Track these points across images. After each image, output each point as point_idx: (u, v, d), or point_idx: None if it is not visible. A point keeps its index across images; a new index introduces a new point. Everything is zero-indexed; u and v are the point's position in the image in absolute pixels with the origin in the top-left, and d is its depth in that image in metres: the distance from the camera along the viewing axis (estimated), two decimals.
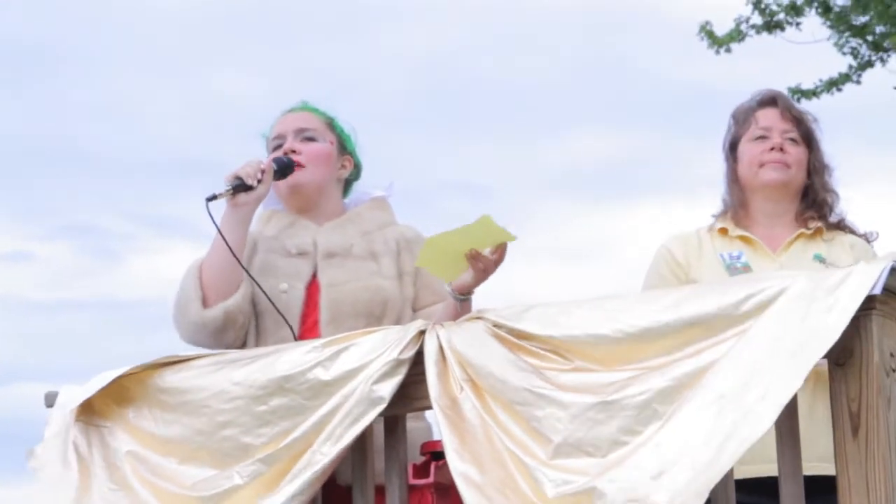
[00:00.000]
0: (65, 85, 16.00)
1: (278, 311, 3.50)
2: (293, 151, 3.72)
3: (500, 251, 3.36)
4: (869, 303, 2.66)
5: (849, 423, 2.68)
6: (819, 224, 3.67)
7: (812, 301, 2.66)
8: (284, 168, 3.65)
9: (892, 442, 2.65)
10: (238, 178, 3.55)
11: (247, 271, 3.54)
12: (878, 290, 2.64)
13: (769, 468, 2.94)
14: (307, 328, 3.59)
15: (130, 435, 3.24)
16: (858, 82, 12.13)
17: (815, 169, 3.72)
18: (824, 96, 12.04)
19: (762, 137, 3.71)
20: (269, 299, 3.51)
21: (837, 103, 11.97)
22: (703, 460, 2.60)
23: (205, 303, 3.55)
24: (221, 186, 3.55)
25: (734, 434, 2.60)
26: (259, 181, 3.57)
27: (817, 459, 3.23)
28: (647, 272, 3.73)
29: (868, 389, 2.66)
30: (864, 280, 2.65)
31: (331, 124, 3.84)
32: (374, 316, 3.59)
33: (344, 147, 3.84)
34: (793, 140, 3.71)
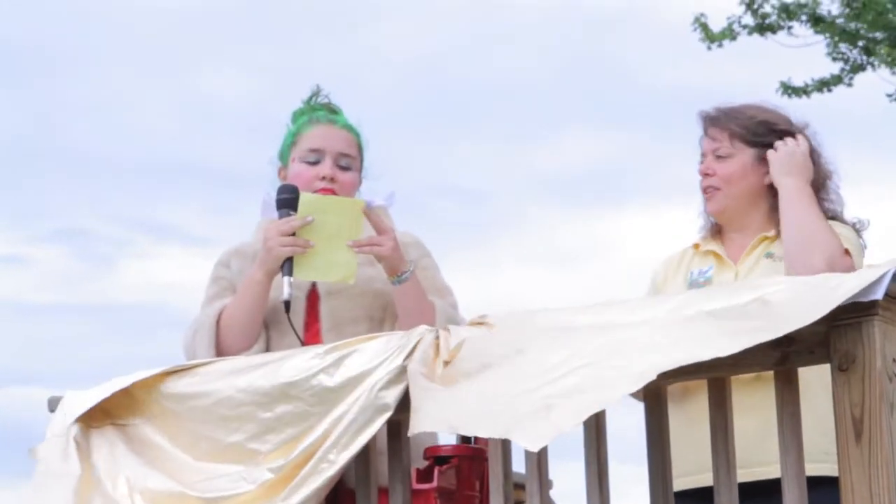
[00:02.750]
0: (57, 85, 15.94)
1: (290, 321, 3.49)
2: (332, 179, 3.68)
3: (376, 226, 3.46)
4: (871, 308, 2.66)
5: (851, 428, 2.67)
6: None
7: (809, 296, 2.67)
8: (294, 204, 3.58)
9: (895, 447, 2.65)
10: (288, 259, 3.48)
11: (295, 331, 3.51)
12: (879, 295, 2.64)
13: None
14: (310, 337, 3.60)
15: (134, 437, 3.25)
16: (850, 85, 12.17)
17: (766, 161, 3.58)
18: (815, 95, 12.06)
19: (701, 164, 3.68)
20: (289, 317, 3.48)
21: (828, 105, 11.98)
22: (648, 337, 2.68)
23: (220, 356, 3.47)
24: (283, 288, 3.48)
25: (700, 341, 2.64)
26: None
27: (764, 464, 3.25)
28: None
29: (871, 395, 2.65)
30: (858, 283, 2.64)
31: (360, 147, 3.82)
32: (375, 320, 3.61)
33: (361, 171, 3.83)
34: (721, 157, 3.59)
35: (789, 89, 12.09)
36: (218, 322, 3.59)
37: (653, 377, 2.62)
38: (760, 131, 3.60)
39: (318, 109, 3.81)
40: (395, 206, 3.76)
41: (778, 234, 3.54)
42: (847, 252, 3.41)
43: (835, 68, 12.21)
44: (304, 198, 3.46)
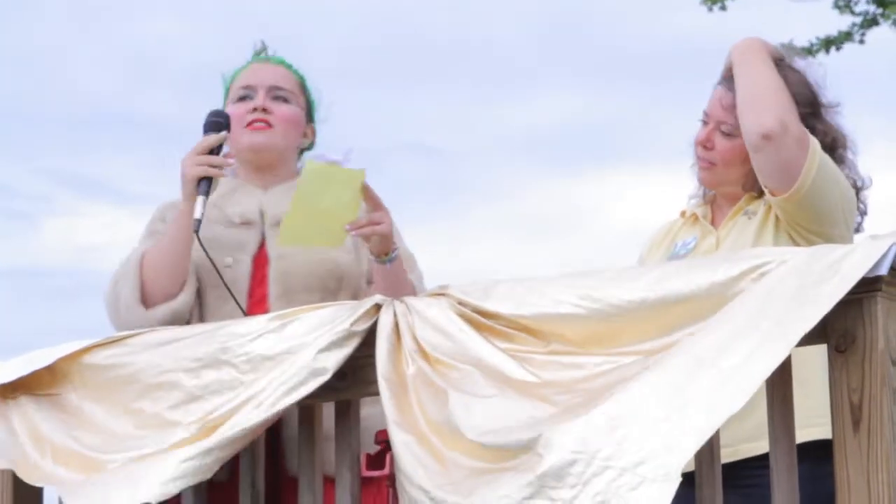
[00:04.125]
0: None
1: (227, 287, 3.24)
2: (264, 110, 3.45)
3: (371, 202, 3.22)
4: (874, 284, 2.44)
5: (849, 415, 2.45)
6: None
7: (808, 273, 2.43)
8: (220, 126, 3.35)
9: None
10: (205, 179, 3.26)
11: (206, 252, 3.23)
12: (883, 270, 2.42)
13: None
14: (254, 303, 3.32)
15: (56, 405, 3.02)
16: (862, 42, 11.61)
17: None
18: (821, 55, 11.52)
19: (703, 122, 3.40)
20: (221, 276, 3.24)
21: (839, 64, 11.42)
22: (661, 417, 2.36)
23: (146, 303, 3.26)
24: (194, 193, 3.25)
25: (708, 400, 2.36)
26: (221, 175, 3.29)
27: (748, 440, 3.06)
28: None
29: (871, 379, 2.43)
30: (867, 255, 2.42)
31: (303, 86, 3.60)
32: (329, 290, 3.34)
33: (309, 114, 3.60)
34: (725, 133, 3.32)
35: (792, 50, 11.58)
36: (142, 265, 3.32)
37: (679, 478, 2.35)
38: None
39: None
40: (351, 163, 3.50)
41: (762, 193, 3.27)
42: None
43: (843, 24, 11.68)
44: (310, 166, 3.22)
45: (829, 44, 11.47)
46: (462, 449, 2.55)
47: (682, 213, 3.50)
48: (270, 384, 2.73)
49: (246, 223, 3.41)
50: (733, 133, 3.31)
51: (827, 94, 3.39)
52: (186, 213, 3.26)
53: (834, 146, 3.34)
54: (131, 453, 2.83)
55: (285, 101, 3.51)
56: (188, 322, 3.29)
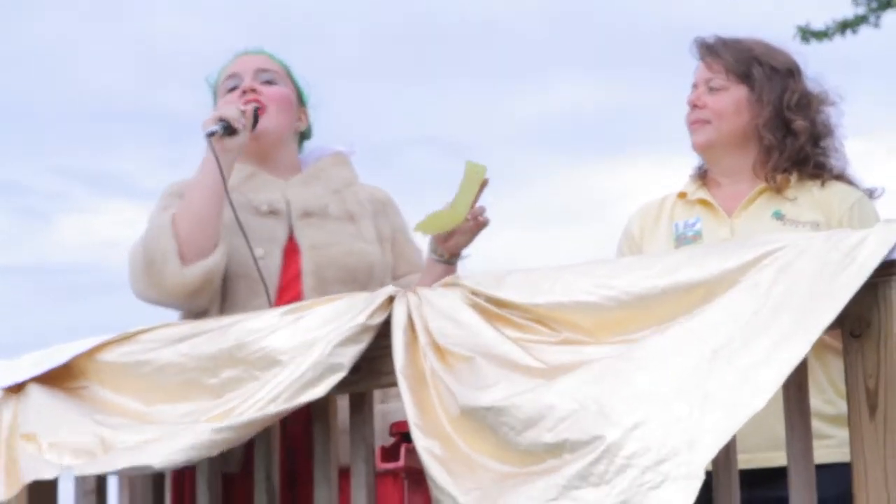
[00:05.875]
0: None
1: (263, 280, 3.20)
2: (253, 91, 3.44)
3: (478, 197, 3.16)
4: (889, 268, 2.40)
5: (865, 401, 2.42)
6: (786, 176, 3.30)
7: (825, 262, 2.40)
8: (253, 117, 3.37)
9: None
10: (223, 119, 3.25)
11: (241, 225, 3.20)
12: None
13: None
14: (289, 297, 3.26)
15: (63, 396, 3.01)
16: (877, 25, 11.48)
17: (755, 106, 3.32)
18: (837, 38, 11.38)
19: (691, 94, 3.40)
20: (257, 265, 3.20)
21: (854, 48, 11.29)
22: (682, 414, 2.33)
23: (183, 258, 3.17)
24: (203, 130, 3.25)
25: (729, 398, 2.33)
26: (243, 126, 3.28)
27: (767, 449, 3.03)
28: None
29: (887, 364, 2.40)
30: (883, 241, 2.39)
31: (288, 72, 3.58)
32: (359, 283, 3.30)
33: (300, 99, 3.58)
34: (713, 89, 3.34)
35: (808, 33, 11.38)
36: (174, 222, 3.23)
37: (702, 477, 2.32)
38: (759, 68, 3.35)
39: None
40: (356, 154, 3.50)
41: (779, 188, 3.25)
42: None
43: (859, 8, 11.53)
44: (472, 168, 3.14)
45: (844, 27, 11.32)
46: (489, 451, 2.53)
47: (683, 195, 3.43)
48: (286, 379, 2.71)
49: (273, 212, 3.38)
50: (721, 87, 3.33)
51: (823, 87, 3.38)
52: (212, 163, 3.23)
53: (819, 137, 3.34)
54: (149, 435, 2.82)
55: (273, 83, 3.50)
56: (206, 313, 3.25)
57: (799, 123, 3.31)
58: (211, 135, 3.21)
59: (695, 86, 3.40)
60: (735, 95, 3.34)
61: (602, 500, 2.34)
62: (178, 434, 2.73)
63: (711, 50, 3.38)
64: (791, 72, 3.37)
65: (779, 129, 3.32)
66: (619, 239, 3.46)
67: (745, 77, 3.34)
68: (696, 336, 2.42)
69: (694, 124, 3.36)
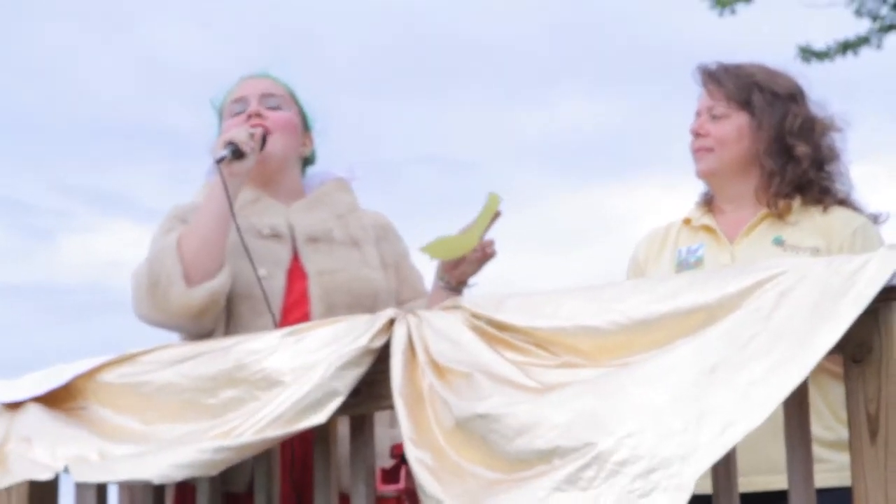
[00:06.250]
0: None
1: (266, 298, 3.21)
2: (258, 115, 3.45)
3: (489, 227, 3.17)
4: (889, 293, 2.40)
5: (866, 425, 2.42)
6: (788, 201, 3.30)
7: (826, 287, 2.40)
8: (261, 140, 3.38)
9: None
10: (232, 143, 3.27)
11: (245, 247, 3.22)
12: None
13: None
14: (290, 317, 3.27)
15: (63, 416, 3.00)
16: (879, 46, 11.38)
17: (756, 133, 3.33)
18: (838, 59, 11.30)
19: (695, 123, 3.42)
20: (261, 284, 3.21)
21: (856, 70, 11.23)
22: (677, 427, 2.33)
23: (188, 281, 3.18)
24: (211, 154, 3.29)
25: (725, 414, 2.33)
26: (251, 149, 3.30)
27: (766, 472, 3.03)
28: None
29: (888, 388, 2.40)
30: (884, 266, 2.39)
31: (293, 96, 3.59)
32: (365, 308, 3.27)
33: (305, 123, 3.58)
34: (716, 116, 3.35)
35: (809, 53, 11.32)
36: (180, 244, 3.24)
37: (692, 489, 2.32)
38: (759, 95, 3.36)
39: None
40: (358, 179, 3.51)
41: (781, 213, 3.26)
42: None
43: (861, 28, 11.49)
44: (493, 199, 3.18)
45: (845, 48, 11.28)
46: (480, 460, 2.53)
47: (687, 221, 3.44)
48: (288, 399, 2.71)
49: (275, 235, 3.39)
50: (723, 115, 3.35)
51: (828, 111, 3.39)
52: (220, 188, 3.24)
53: (823, 162, 3.34)
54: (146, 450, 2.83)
55: (278, 108, 3.51)
56: (212, 334, 3.25)
57: (801, 149, 3.31)
58: (220, 160, 3.22)
59: (698, 113, 3.41)
60: (736, 122, 3.35)
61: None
62: (178, 448, 2.73)
63: (713, 77, 3.40)
64: (793, 96, 3.37)
65: (780, 154, 3.33)
66: (627, 265, 3.48)
67: (745, 104, 3.35)
68: (694, 353, 2.43)
69: (697, 152, 3.38)
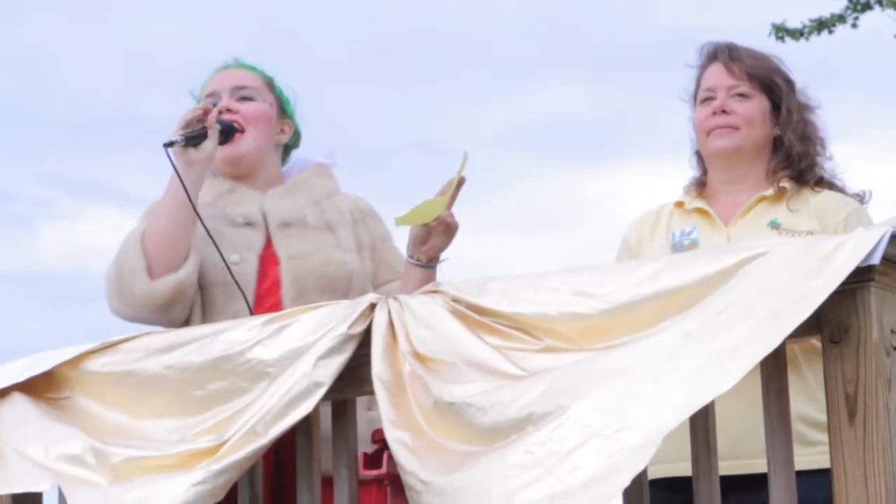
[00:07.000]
0: None
1: (237, 283, 3.23)
2: (228, 110, 3.45)
3: (453, 200, 3.19)
4: (867, 274, 2.42)
5: (844, 406, 2.44)
6: (785, 185, 3.33)
7: (801, 266, 2.42)
8: (228, 131, 3.38)
9: (892, 427, 2.40)
10: (187, 125, 3.27)
11: (209, 234, 3.23)
12: (876, 260, 2.40)
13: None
14: (264, 303, 3.30)
15: (64, 408, 3.00)
16: (855, 26, 11.32)
17: (784, 117, 3.37)
18: (813, 38, 11.27)
19: (708, 100, 3.41)
20: (229, 270, 3.23)
21: (833, 49, 11.22)
22: (647, 389, 2.36)
23: (151, 274, 3.23)
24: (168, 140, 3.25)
25: (694, 376, 2.35)
26: (207, 127, 3.28)
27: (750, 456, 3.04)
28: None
29: (866, 369, 2.42)
30: (860, 246, 2.40)
31: (270, 84, 3.60)
32: (339, 292, 3.32)
33: (283, 110, 3.58)
34: (741, 95, 3.37)
35: (783, 31, 11.25)
36: (143, 238, 3.28)
37: (657, 444, 2.35)
38: (779, 79, 3.41)
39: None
40: (338, 165, 3.51)
41: (778, 195, 3.28)
42: None
43: (836, 6, 11.36)
44: (466, 156, 3.19)
45: (821, 26, 11.24)
46: (458, 436, 2.54)
47: (680, 204, 3.45)
48: (276, 393, 2.72)
49: (249, 224, 3.41)
50: (748, 94, 3.37)
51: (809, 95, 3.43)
52: (176, 179, 3.24)
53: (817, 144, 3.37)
54: (137, 452, 2.83)
55: (250, 99, 3.51)
56: (189, 321, 3.28)
57: (807, 133, 3.36)
58: (168, 145, 3.23)
59: (713, 90, 3.41)
60: (761, 105, 3.39)
61: (556, 465, 2.36)
62: (176, 481, 2.72)
63: (735, 56, 3.41)
64: (790, 81, 3.42)
65: (800, 139, 3.36)
66: (618, 249, 3.49)
67: (766, 88, 3.39)
68: (669, 321, 2.45)
69: (720, 129, 3.38)
